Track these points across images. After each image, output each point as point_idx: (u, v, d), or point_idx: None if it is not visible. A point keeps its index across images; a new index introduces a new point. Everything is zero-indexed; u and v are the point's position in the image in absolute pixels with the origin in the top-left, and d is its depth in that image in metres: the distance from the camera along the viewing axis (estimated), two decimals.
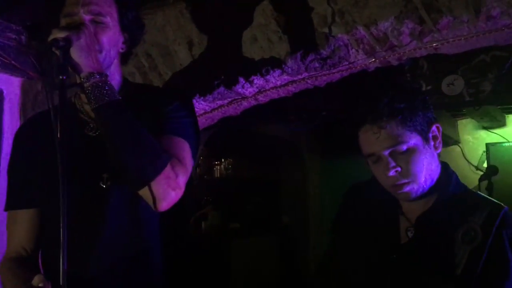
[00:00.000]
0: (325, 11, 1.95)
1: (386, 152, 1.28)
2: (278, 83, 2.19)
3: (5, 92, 2.35)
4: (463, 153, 4.92)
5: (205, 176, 5.63)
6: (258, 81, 2.16)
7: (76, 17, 1.35)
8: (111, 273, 1.43)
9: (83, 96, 1.42)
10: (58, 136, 1.16)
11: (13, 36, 2.22)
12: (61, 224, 1.11)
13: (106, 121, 1.27)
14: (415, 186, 1.29)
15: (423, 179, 1.30)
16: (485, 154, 4.79)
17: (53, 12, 1.40)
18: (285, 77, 2.13)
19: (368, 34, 1.92)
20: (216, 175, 5.76)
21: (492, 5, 1.69)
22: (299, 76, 2.13)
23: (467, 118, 4.74)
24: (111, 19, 1.40)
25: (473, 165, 4.88)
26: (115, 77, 1.45)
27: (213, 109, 2.37)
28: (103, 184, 1.36)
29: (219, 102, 2.31)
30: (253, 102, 2.37)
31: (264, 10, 2.08)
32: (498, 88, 2.37)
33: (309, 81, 2.20)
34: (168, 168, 1.27)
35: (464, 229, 1.26)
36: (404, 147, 1.27)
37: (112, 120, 1.27)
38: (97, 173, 1.37)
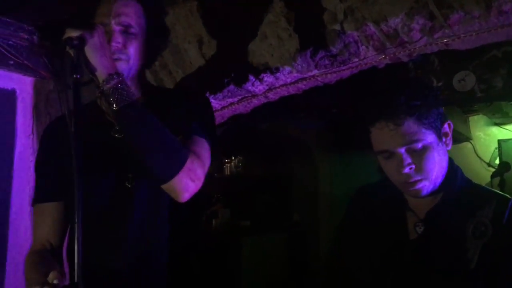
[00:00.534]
0: (335, 8, 1.94)
1: (402, 150, 1.27)
2: (288, 80, 2.18)
3: (17, 91, 2.38)
4: (474, 150, 4.88)
5: (215, 174, 5.64)
6: (268, 78, 2.16)
7: (107, 28, 1.41)
8: (133, 268, 1.49)
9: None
10: (72, 130, 1.19)
11: (26, 36, 2.24)
12: (75, 218, 1.13)
13: (129, 121, 1.32)
14: (427, 183, 1.30)
15: (435, 176, 1.30)
16: (497, 150, 4.75)
17: (66, 12, 1.41)
18: (295, 74, 2.12)
19: (378, 31, 1.91)
20: (226, 173, 5.78)
21: (503, 0, 1.67)
22: (309, 74, 2.13)
23: (479, 114, 4.70)
24: (140, 30, 1.47)
25: (485, 162, 4.84)
26: (140, 82, 1.53)
27: (223, 107, 2.38)
28: (129, 184, 1.45)
29: (229, 100, 2.31)
30: (263, 100, 2.37)
31: (274, 7, 2.08)
32: (510, 84, 2.35)
33: (319, 78, 2.19)
34: (188, 162, 1.35)
35: (474, 224, 1.26)
36: (420, 144, 1.27)
37: (135, 120, 1.32)
38: (123, 173, 1.45)
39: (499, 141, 4.76)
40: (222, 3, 2.22)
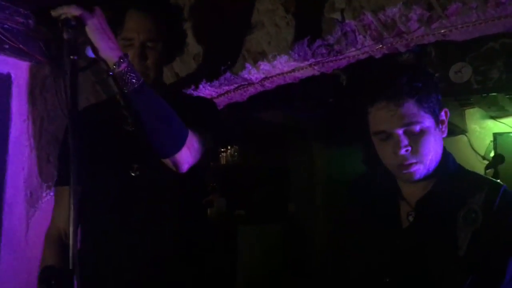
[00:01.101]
0: None
1: (400, 131, 1.28)
2: (285, 69, 2.18)
3: (13, 76, 2.36)
4: (470, 143, 4.90)
5: (211, 163, 5.64)
6: (264, 66, 2.15)
7: (133, 41, 1.55)
8: (135, 253, 1.60)
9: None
10: (68, 111, 1.24)
11: (21, 20, 2.23)
12: (71, 202, 1.16)
13: (141, 101, 1.39)
14: (421, 167, 1.30)
15: (429, 161, 1.31)
16: (492, 143, 4.77)
17: None
18: (292, 63, 2.12)
19: (375, 20, 1.91)
20: (222, 162, 5.78)
21: None
22: (306, 62, 2.13)
23: (475, 107, 4.71)
24: (161, 43, 1.59)
25: (480, 155, 4.86)
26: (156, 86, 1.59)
27: (220, 95, 2.38)
28: (133, 173, 1.58)
29: (226, 88, 2.31)
30: (260, 88, 2.37)
31: None
32: (507, 76, 2.35)
33: (316, 67, 2.19)
34: (189, 137, 1.48)
35: (465, 210, 1.27)
36: (418, 127, 1.28)
37: (147, 100, 1.40)
38: (129, 163, 1.58)
39: (494, 135, 4.77)
40: None
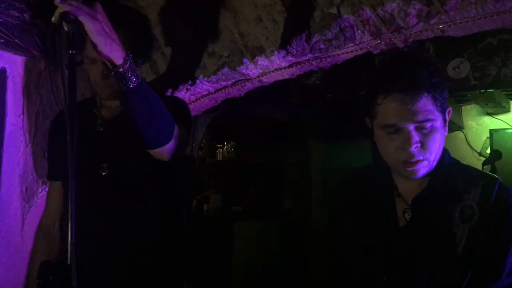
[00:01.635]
0: None
1: (412, 126, 1.23)
2: (283, 64, 2.17)
3: (8, 70, 2.34)
4: (466, 139, 4.91)
5: (207, 159, 5.63)
6: (262, 62, 2.14)
7: (95, 60, 1.63)
8: (109, 252, 1.71)
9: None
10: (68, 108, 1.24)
11: (16, 14, 2.20)
12: (69, 199, 1.17)
13: (141, 98, 1.45)
14: (426, 164, 1.27)
15: (433, 159, 1.28)
16: (488, 140, 4.78)
17: None
18: (290, 58, 2.11)
19: (374, 15, 1.90)
20: (218, 158, 5.77)
21: None
22: (304, 58, 2.11)
23: (471, 103, 4.72)
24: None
25: (476, 151, 4.87)
26: None
27: (217, 90, 2.36)
28: (102, 172, 1.69)
29: (223, 83, 2.29)
30: (257, 84, 2.35)
31: None
32: (504, 72, 2.34)
33: (313, 63, 2.18)
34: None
35: (461, 207, 1.25)
36: (430, 124, 1.24)
37: (145, 96, 1.46)
38: (99, 162, 1.70)
39: (491, 131, 4.78)
40: None
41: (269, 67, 2.18)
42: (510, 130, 4.70)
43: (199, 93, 2.37)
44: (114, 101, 1.77)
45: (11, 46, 2.23)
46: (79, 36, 1.28)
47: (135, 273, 1.72)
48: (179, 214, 1.94)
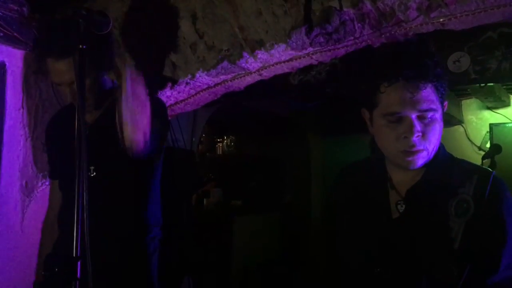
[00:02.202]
0: None
1: (414, 115, 1.23)
2: (282, 58, 2.16)
3: (7, 64, 2.33)
4: (466, 133, 4.91)
5: (207, 154, 5.63)
6: (262, 55, 2.13)
7: (61, 83, 1.77)
8: (99, 252, 1.68)
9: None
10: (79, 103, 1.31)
11: (15, 8, 2.19)
12: (77, 194, 1.24)
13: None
14: (425, 154, 1.27)
15: (432, 149, 1.28)
16: (488, 134, 4.78)
17: None
18: (290, 52, 2.10)
19: (374, 9, 1.89)
20: (218, 152, 5.77)
21: None
22: (304, 51, 2.11)
23: (471, 98, 4.72)
24: (89, 79, 1.69)
25: (476, 146, 4.88)
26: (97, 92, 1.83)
27: (216, 84, 2.36)
28: (90, 174, 1.77)
29: (223, 77, 2.29)
30: (257, 78, 2.35)
31: None
32: (505, 66, 2.34)
33: (313, 57, 2.17)
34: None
35: (456, 201, 1.24)
36: (431, 114, 1.23)
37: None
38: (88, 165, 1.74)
39: (491, 125, 4.78)
40: None
41: (269, 60, 2.18)
42: (510, 124, 4.70)
43: (199, 87, 2.37)
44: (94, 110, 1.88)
45: (10, 40, 2.22)
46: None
47: (129, 268, 1.77)
48: (178, 209, 1.98)
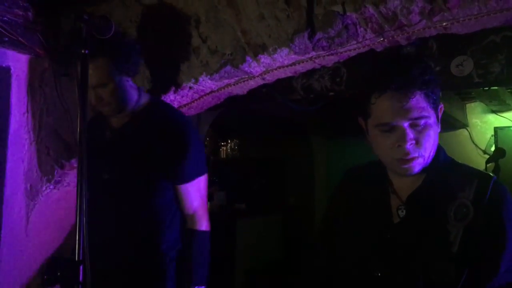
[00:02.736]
0: None
1: (406, 124, 1.24)
2: (285, 62, 2.17)
3: (12, 69, 2.35)
4: (471, 137, 4.90)
5: (211, 157, 5.64)
6: (265, 60, 2.14)
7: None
8: (113, 252, 1.84)
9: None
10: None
11: (20, 13, 2.21)
12: (78, 194, 1.26)
13: None
14: (421, 161, 1.28)
15: (428, 155, 1.29)
16: (493, 138, 4.77)
17: None
18: (293, 56, 2.11)
19: (377, 13, 1.89)
20: (222, 156, 5.78)
21: None
22: (307, 55, 2.11)
23: (476, 101, 4.70)
24: (111, 81, 1.80)
25: (480, 149, 4.86)
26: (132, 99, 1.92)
27: (220, 88, 2.36)
28: (105, 176, 1.88)
29: (226, 81, 2.30)
30: (260, 81, 2.36)
31: None
32: (508, 69, 2.33)
33: (316, 61, 2.18)
34: None
35: (456, 206, 1.24)
36: (423, 121, 1.24)
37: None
38: (103, 167, 1.89)
39: (496, 129, 4.77)
40: None
41: (272, 65, 2.18)
42: None
43: (202, 91, 2.38)
44: (120, 114, 1.91)
45: (15, 45, 2.24)
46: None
47: (135, 270, 1.78)
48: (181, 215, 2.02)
